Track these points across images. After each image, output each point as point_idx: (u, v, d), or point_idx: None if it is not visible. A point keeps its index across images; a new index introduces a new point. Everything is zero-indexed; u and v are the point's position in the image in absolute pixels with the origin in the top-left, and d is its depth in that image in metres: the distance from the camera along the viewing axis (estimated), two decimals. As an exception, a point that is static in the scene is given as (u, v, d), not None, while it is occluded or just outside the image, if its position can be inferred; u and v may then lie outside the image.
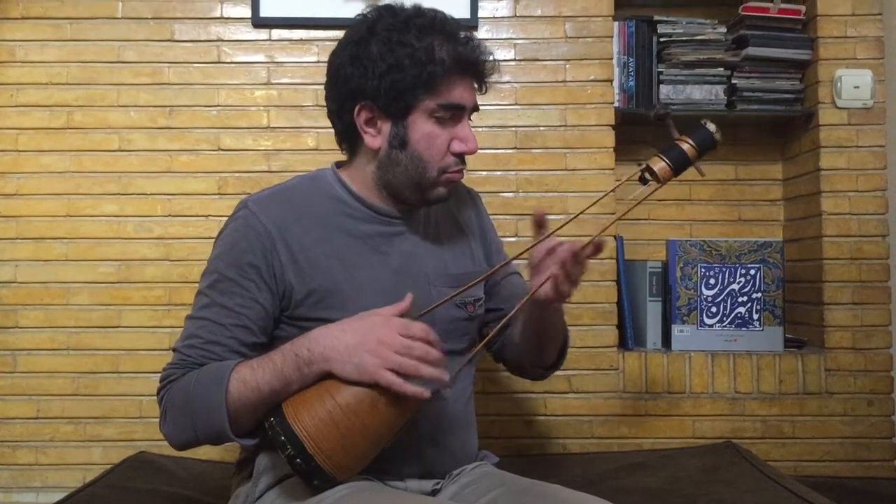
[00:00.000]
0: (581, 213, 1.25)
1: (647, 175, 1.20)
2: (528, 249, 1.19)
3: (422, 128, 1.20)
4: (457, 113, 1.21)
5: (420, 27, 1.19)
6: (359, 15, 1.25)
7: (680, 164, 1.19)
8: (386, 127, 1.21)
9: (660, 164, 1.19)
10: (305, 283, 1.19)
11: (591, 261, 1.21)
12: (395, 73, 1.17)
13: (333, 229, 1.23)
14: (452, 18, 1.24)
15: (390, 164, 1.23)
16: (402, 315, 1.11)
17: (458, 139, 1.22)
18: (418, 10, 1.22)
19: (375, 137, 1.23)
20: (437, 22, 1.21)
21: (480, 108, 1.29)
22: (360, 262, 1.23)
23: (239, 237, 1.20)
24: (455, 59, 1.18)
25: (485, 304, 1.38)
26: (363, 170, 1.27)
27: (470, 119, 1.26)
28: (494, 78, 1.28)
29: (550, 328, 1.31)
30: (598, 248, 1.16)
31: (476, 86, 1.26)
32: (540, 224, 1.18)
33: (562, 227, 1.21)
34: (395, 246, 1.26)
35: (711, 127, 1.20)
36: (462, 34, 1.22)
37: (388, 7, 1.24)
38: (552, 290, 1.17)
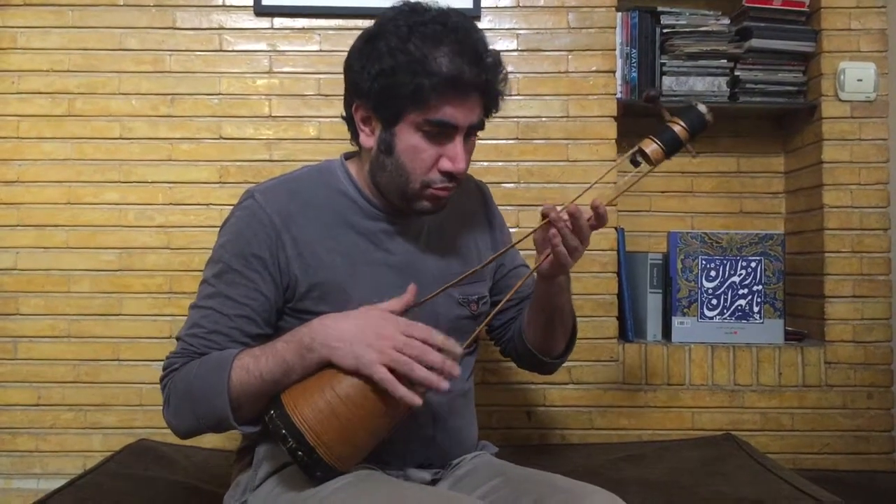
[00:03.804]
0: (577, 197, 1.23)
1: (638, 157, 1.21)
2: (530, 234, 1.21)
3: (408, 139, 1.15)
4: (447, 130, 1.15)
5: (425, 35, 1.12)
6: (391, 8, 1.19)
7: (672, 145, 1.19)
8: (378, 129, 1.19)
9: (652, 147, 1.19)
10: (309, 277, 1.19)
11: (592, 251, 1.21)
12: (386, 79, 1.12)
13: (338, 224, 1.22)
14: (475, 30, 1.16)
15: (379, 167, 1.20)
16: (406, 306, 1.11)
17: (447, 157, 1.16)
18: (436, 17, 1.15)
19: (369, 137, 1.20)
20: (448, 31, 1.13)
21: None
22: (363, 258, 1.22)
23: (244, 227, 1.19)
24: (451, 75, 1.11)
25: (490, 300, 1.37)
26: (363, 165, 1.25)
27: (475, 136, 1.21)
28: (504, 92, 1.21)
29: (558, 311, 1.30)
30: (598, 213, 1.16)
31: (481, 105, 1.18)
32: (547, 216, 1.17)
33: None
34: (400, 243, 1.25)
35: (702, 108, 1.21)
36: (478, 49, 1.14)
37: (413, 6, 1.17)
38: (553, 259, 1.18)
